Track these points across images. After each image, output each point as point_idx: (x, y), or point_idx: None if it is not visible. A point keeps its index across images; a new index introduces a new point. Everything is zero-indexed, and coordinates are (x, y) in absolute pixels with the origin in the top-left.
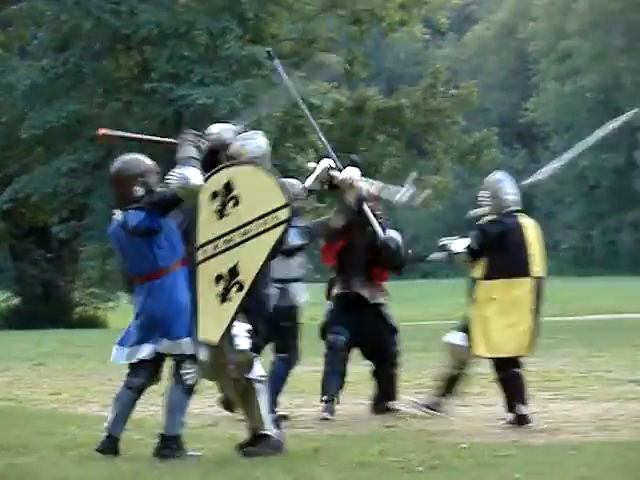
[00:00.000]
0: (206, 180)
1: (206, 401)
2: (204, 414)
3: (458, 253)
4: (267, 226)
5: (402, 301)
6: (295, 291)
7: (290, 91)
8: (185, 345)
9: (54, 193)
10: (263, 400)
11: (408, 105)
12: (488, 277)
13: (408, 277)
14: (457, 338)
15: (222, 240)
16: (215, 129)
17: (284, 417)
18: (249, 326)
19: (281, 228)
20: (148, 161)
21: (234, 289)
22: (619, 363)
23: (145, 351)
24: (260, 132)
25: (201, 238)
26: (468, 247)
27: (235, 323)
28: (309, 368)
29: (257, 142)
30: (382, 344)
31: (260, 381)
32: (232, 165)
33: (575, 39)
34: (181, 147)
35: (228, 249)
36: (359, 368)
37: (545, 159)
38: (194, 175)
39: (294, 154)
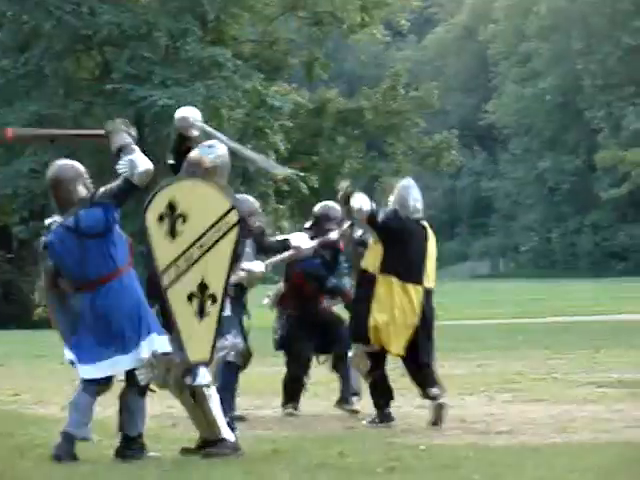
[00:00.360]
0: (147, 207)
1: (165, 402)
2: (163, 415)
3: (360, 209)
4: (221, 233)
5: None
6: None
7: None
8: (144, 350)
9: (14, 194)
10: (214, 405)
11: (368, 107)
12: (382, 271)
13: None
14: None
15: (182, 259)
16: (179, 113)
17: (241, 418)
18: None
19: (235, 231)
20: (81, 165)
21: (209, 303)
22: (578, 365)
23: (118, 365)
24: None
25: (160, 264)
26: (372, 210)
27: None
28: (268, 369)
29: (218, 152)
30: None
31: (207, 386)
32: (167, 185)
33: (535, 42)
34: (115, 136)
35: (190, 266)
36: (318, 370)
37: (504, 161)
38: (142, 160)
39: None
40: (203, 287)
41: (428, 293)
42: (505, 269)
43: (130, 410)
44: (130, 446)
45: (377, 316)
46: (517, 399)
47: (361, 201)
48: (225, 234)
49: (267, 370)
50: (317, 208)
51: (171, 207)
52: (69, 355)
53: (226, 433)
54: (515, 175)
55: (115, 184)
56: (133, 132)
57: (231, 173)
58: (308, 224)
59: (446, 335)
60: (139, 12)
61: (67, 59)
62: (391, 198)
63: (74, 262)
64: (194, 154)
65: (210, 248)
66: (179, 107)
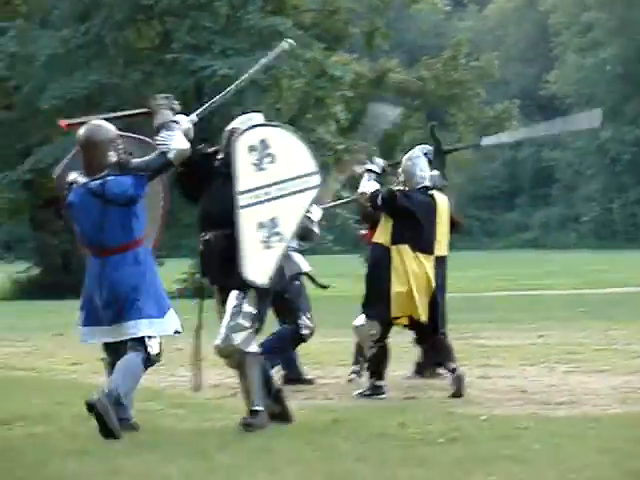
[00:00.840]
0: (239, 135)
1: (226, 372)
2: (223, 385)
3: (363, 192)
4: (300, 188)
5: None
6: (297, 260)
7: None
8: (142, 328)
9: None
10: (255, 375)
11: (429, 77)
12: (394, 243)
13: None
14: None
15: (262, 192)
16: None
17: (309, 381)
18: (254, 310)
19: (312, 193)
20: (114, 128)
21: (275, 238)
22: (639, 336)
23: (125, 331)
24: (260, 113)
25: (241, 185)
26: (376, 191)
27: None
28: (328, 340)
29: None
30: None
31: (254, 355)
32: (268, 124)
33: (596, 11)
34: (158, 113)
35: (267, 201)
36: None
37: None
38: (180, 138)
39: (315, 126)
40: (274, 222)
41: (440, 261)
42: (566, 240)
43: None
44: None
45: (398, 287)
46: (578, 370)
47: (365, 185)
48: (303, 191)
49: (326, 341)
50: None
51: (264, 144)
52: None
53: (260, 405)
54: (576, 145)
55: (150, 157)
56: (177, 107)
57: None
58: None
59: (506, 306)
60: None
61: (127, 29)
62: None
63: (92, 226)
64: (235, 123)
65: (288, 195)
66: (239, 77)
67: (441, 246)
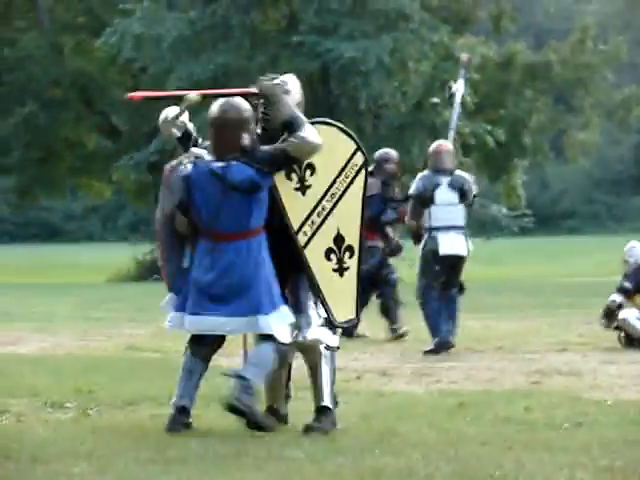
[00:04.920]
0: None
1: (350, 355)
2: (348, 367)
3: None
4: (349, 178)
5: (547, 257)
6: None
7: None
8: (251, 324)
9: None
10: (327, 370)
11: (556, 60)
12: None
13: (552, 233)
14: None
15: (315, 214)
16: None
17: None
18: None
19: (362, 174)
20: (250, 109)
21: (346, 256)
22: None
23: (231, 326)
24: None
25: (294, 224)
26: None
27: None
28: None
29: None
30: None
31: (331, 349)
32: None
33: None
34: (279, 103)
35: (324, 220)
36: (505, 324)
37: None
38: (311, 132)
39: (441, 109)
40: (340, 240)
41: None
42: None
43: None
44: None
45: None
46: None
47: None
48: (353, 179)
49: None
50: (377, 154)
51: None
52: (166, 300)
53: (330, 403)
54: None
55: (280, 148)
56: (287, 86)
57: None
58: (371, 168)
59: None
60: None
61: (254, 11)
62: None
63: (208, 208)
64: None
65: (341, 196)
66: (366, 60)
67: None
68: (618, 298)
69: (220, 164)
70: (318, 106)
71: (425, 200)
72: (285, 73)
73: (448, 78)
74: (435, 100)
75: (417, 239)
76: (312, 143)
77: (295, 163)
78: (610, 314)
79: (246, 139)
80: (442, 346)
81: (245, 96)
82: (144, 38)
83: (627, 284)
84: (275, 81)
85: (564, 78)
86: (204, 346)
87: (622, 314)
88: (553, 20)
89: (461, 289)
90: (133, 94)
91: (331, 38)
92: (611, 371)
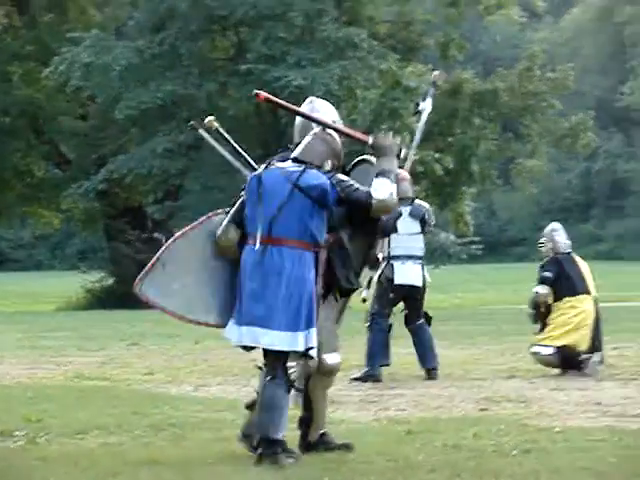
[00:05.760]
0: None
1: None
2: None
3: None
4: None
5: (496, 284)
6: None
7: (224, 157)
8: (299, 341)
9: (149, 174)
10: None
11: (504, 88)
12: None
13: (501, 260)
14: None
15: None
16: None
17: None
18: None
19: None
20: (339, 144)
21: None
22: None
23: (264, 339)
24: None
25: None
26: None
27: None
28: (402, 350)
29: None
30: None
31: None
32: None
33: None
34: (385, 157)
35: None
36: (453, 351)
37: None
38: (394, 194)
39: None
40: None
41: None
42: None
43: (274, 407)
44: (274, 449)
45: None
46: None
47: None
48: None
49: (401, 351)
50: None
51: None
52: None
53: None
54: None
55: (356, 192)
56: (399, 150)
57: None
58: None
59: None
60: None
61: (202, 39)
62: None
63: (271, 210)
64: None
65: None
66: (314, 88)
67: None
68: (542, 290)
69: (297, 167)
70: (267, 134)
71: None
72: (234, 101)
73: (396, 106)
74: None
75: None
76: (393, 205)
77: (363, 210)
78: (537, 307)
79: (327, 165)
80: (369, 378)
81: (353, 138)
82: (93, 66)
83: (548, 274)
84: (391, 138)
85: (512, 106)
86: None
87: (534, 349)
88: (501, 48)
89: (427, 319)
90: (260, 92)
91: (279, 66)
92: (559, 398)
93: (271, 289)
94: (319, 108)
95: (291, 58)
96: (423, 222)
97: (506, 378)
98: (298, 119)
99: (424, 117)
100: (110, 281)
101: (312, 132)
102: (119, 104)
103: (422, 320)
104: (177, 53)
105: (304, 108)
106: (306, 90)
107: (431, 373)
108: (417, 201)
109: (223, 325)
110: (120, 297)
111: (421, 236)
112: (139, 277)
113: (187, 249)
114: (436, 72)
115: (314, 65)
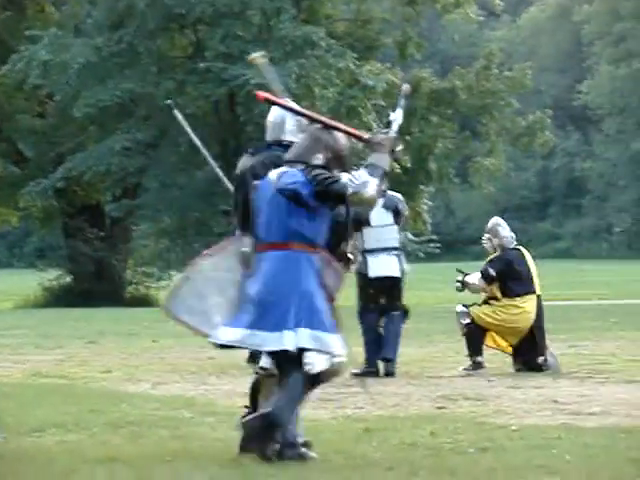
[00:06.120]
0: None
1: None
2: None
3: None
4: None
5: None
6: None
7: (191, 137)
8: (287, 340)
9: (107, 172)
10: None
11: (462, 87)
12: None
13: (458, 259)
14: None
15: None
16: None
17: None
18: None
19: None
20: (344, 142)
21: None
22: None
23: (303, 340)
24: None
25: None
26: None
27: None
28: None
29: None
30: None
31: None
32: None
33: (630, 22)
34: (378, 153)
35: None
36: (411, 349)
37: (598, 142)
38: (372, 187)
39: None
40: None
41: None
42: (598, 250)
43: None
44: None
45: None
46: (609, 380)
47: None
48: None
49: (359, 350)
50: None
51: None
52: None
53: None
54: (608, 156)
55: (332, 184)
56: (399, 148)
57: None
58: None
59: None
60: None
61: (160, 37)
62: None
63: (261, 214)
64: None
65: None
66: (270, 86)
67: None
68: (479, 283)
69: (282, 169)
70: (225, 132)
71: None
72: (192, 99)
73: (354, 104)
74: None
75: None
76: (371, 199)
77: (342, 202)
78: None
79: (319, 159)
80: (369, 374)
81: (349, 135)
82: (51, 64)
83: (491, 271)
84: (391, 135)
85: (469, 104)
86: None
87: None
88: (459, 47)
89: (405, 313)
90: (260, 92)
91: (237, 64)
92: (516, 396)
93: (262, 293)
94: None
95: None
96: (397, 213)
97: (463, 376)
98: (271, 117)
99: (395, 127)
100: (68, 279)
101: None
102: (77, 102)
103: (399, 312)
104: (135, 51)
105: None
106: (264, 88)
107: (388, 366)
108: (389, 192)
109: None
110: (78, 295)
111: (395, 227)
112: (167, 294)
113: (214, 268)
114: (405, 85)
115: (272, 63)
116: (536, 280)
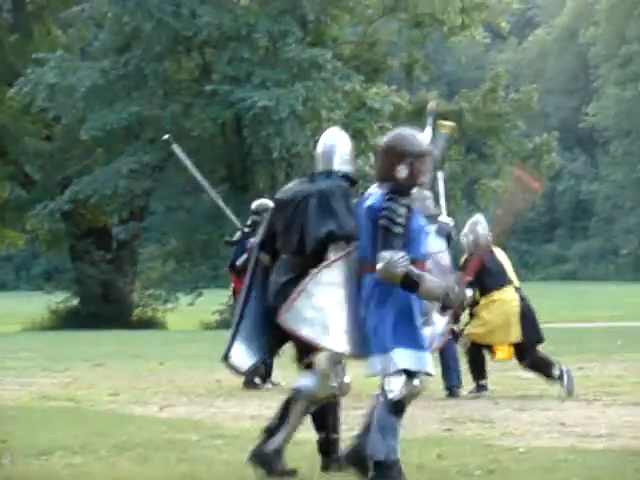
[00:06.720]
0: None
1: (264, 403)
2: (262, 416)
3: None
4: None
5: None
6: None
7: (190, 170)
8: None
9: (114, 194)
10: None
11: (468, 109)
12: None
13: None
14: None
15: None
16: None
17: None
18: None
19: None
20: (425, 143)
21: None
22: None
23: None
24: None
25: None
26: None
27: None
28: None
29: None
30: None
31: None
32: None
33: (636, 44)
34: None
35: None
36: None
37: (605, 164)
38: (402, 265)
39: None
40: None
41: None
42: (605, 272)
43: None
44: (383, 473)
45: None
46: (616, 403)
47: None
48: None
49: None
50: (254, 204)
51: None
52: None
53: None
54: (615, 178)
55: (387, 236)
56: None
57: None
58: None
59: (545, 338)
60: (239, 13)
61: (167, 60)
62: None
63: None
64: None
65: None
66: (278, 108)
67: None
68: (468, 293)
69: (373, 189)
70: (231, 155)
71: None
72: (199, 122)
73: (361, 127)
74: None
75: None
76: (395, 278)
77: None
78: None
79: (402, 171)
80: None
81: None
82: (58, 88)
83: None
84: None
85: (476, 127)
86: None
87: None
88: (465, 69)
89: (454, 335)
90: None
91: (244, 87)
92: (523, 418)
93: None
94: (338, 139)
95: (256, 79)
96: (449, 238)
97: (470, 398)
98: (320, 147)
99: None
100: (75, 302)
101: None
102: (84, 125)
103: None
104: (142, 74)
105: (325, 138)
106: (271, 111)
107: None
108: (442, 218)
109: (352, 354)
110: (85, 317)
111: (447, 253)
112: (284, 306)
113: (329, 280)
114: (431, 102)
115: (279, 86)
116: (511, 274)
